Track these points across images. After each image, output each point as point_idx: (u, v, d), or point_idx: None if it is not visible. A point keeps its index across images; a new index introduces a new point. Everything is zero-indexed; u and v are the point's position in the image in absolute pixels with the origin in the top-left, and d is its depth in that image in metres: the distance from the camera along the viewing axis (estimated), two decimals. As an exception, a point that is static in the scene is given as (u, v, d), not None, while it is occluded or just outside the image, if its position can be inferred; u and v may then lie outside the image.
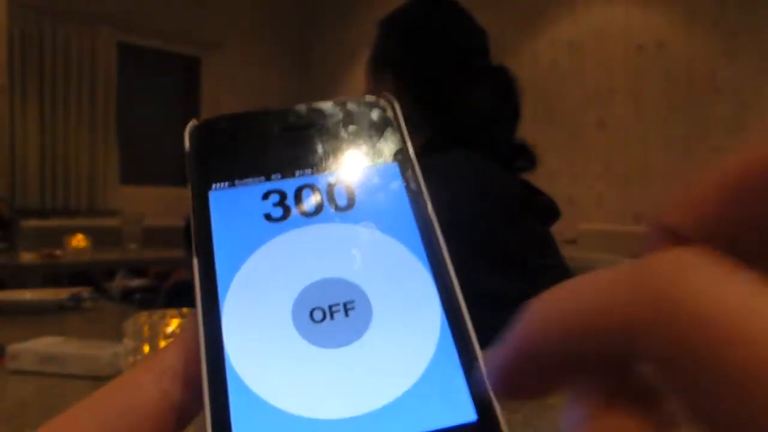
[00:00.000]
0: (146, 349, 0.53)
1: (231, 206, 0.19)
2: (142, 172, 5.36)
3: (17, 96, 4.59)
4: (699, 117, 4.00)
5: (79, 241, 2.38)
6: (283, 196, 0.19)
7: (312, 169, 0.20)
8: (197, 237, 0.18)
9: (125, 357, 0.53)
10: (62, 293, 1.06)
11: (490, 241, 0.86)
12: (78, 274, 3.34)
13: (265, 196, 0.19)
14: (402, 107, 0.82)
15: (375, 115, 0.22)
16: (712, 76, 3.95)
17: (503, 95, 1.01)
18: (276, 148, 0.20)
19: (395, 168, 0.20)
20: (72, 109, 4.81)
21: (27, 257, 2.15)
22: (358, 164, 0.20)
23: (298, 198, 0.19)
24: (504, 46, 4.83)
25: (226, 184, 0.19)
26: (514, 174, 1.00)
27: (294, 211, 0.19)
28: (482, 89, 0.99)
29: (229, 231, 0.18)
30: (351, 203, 0.19)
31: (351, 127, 0.21)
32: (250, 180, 0.19)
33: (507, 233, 0.88)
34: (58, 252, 2.29)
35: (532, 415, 0.51)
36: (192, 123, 0.21)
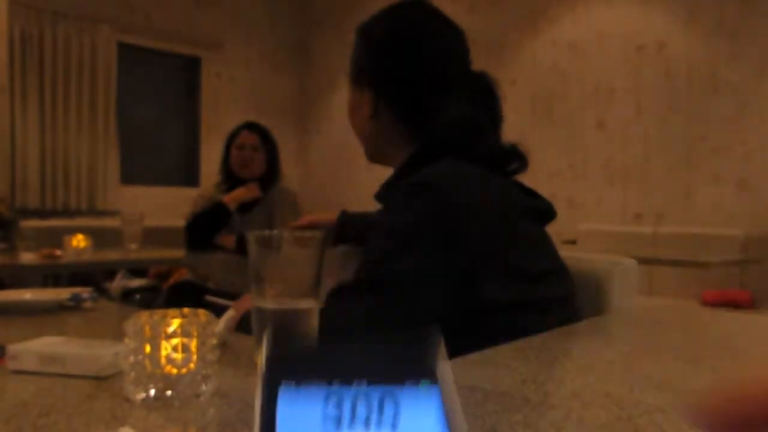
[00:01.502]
0: (147, 349, 0.53)
1: (296, 403, 0.23)
2: (142, 173, 5.36)
3: (17, 96, 4.59)
4: (699, 117, 4.00)
5: (79, 241, 2.37)
6: (341, 400, 0.23)
7: (367, 381, 0.23)
8: (264, 426, 0.22)
9: (126, 357, 0.53)
10: (62, 293, 1.06)
11: (488, 251, 0.86)
12: (78, 274, 3.34)
13: (326, 398, 0.23)
14: (384, 124, 0.82)
15: (420, 341, 0.25)
16: (712, 77, 3.95)
17: (484, 102, 1.00)
18: (338, 359, 0.24)
19: (436, 390, 0.24)
20: (72, 109, 4.81)
21: (27, 257, 2.15)
22: (405, 382, 0.24)
23: (353, 405, 0.23)
24: (504, 47, 4.83)
25: (294, 383, 0.23)
26: (507, 178, 1.00)
27: (349, 416, 0.23)
28: (463, 99, 0.98)
29: (293, 426, 0.22)
30: (397, 417, 0.23)
31: (400, 350, 0.25)
32: (314, 383, 0.23)
33: (503, 242, 0.88)
34: (58, 252, 2.29)
35: (532, 415, 0.51)
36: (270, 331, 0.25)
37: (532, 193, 1.03)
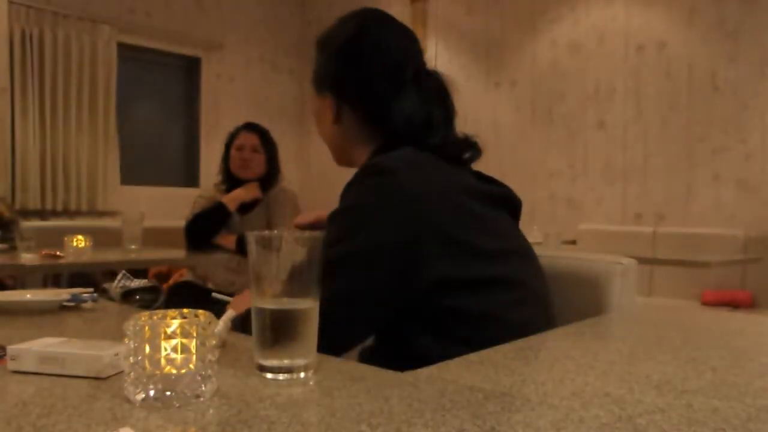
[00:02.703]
0: (146, 349, 0.53)
1: None
2: (142, 173, 5.36)
3: (17, 96, 4.59)
4: (699, 117, 4.00)
5: (79, 241, 2.37)
6: None
7: None
8: None
9: (126, 357, 0.53)
10: (62, 294, 1.06)
11: (435, 228, 0.89)
12: (78, 275, 3.34)
13: None
14: (347, 128, 0.84)
15: None
16: (712, 77, 3.95)
17: (436, 98, 1.06)
18: None
19: None
20: (72, 110, 4.81)
21: (27, 258, 2.15)
22: None
23: None
24: (504, 47, 4.83)
25: None
26: (463, 166, 1.05)
27: None
28: (416, 97, 1.04)
29: None
30: None
31: None
32: None
33: (451, 220, 0.91)
34: (58, 252, 2.29)
35: (532, 415, 0.51)
36: None
37: (489, 180, 1.07)
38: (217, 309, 0.68)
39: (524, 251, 1.03)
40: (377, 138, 1.06)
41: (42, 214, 4.68)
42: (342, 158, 1.15)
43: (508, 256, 0.98)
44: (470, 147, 1.05)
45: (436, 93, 1.07)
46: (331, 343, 0.77)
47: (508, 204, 1.06)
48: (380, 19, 1.12)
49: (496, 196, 1.04)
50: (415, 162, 0.95)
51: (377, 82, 1.05)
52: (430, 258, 0.87)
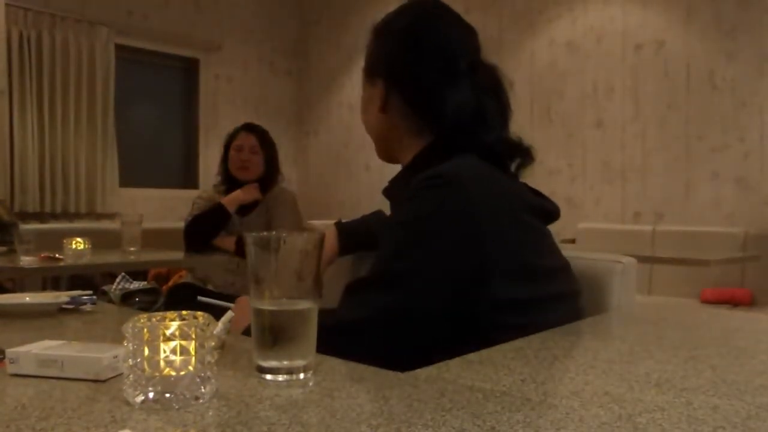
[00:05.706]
0: (145, 351, 0.53)
1: None
2: (141, 175, 5.35)
3: (16, 99, 4.59)
4: (697, 115, 4.00)
5: (78, 243, 2.37)
6: None
7: None
8: None
9: (125, 360, 0.53)
10: (62, 296, 1.06)
11: (501, 250, 0.86)
12: (77, 277, 3.34)
13: None
14: (394, 117, 0.83)
15: None
16: (710, 75, 3.95)
17: (490, 90, 1.02)
18: None
19: None
20: (70, 112, 4.81)
21: (26, 260, 2.15)
22: None
23: None
24: (503, 47, 4.83)
25: None
26: (515, 174, 1.01)
27: None
28: (467, 88, 0.99)
29: None
30: None
31: None
32: None
33: (516, 241, 0.89)
34: (57, 255, 2.29)
35: (532, 415, 0.51)
36: None
37: (538, 194, 1.04)
38: (216, 310, 0.67)
39: (569, 266, 1.01)
40: (425, 132, 1.02)
41: (41, 216, 4.67)
42: (385, 151, 1.10)
43: (559, 272, 0.97)
44: (524, 152, 1.01)
45: (491, 86, 1.02)
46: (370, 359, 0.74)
47: (552, 219, 1.03)
48: (436, 7, 1.08)
49: (548, 212, 1.01)
50: (481, 174, 0.90)
51: (428, 69, 1.01)
52: (493, 279, 0.84)
